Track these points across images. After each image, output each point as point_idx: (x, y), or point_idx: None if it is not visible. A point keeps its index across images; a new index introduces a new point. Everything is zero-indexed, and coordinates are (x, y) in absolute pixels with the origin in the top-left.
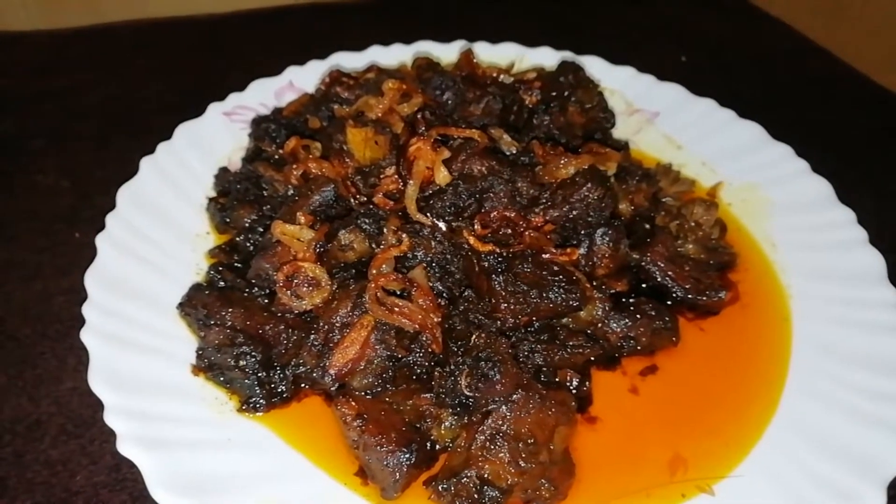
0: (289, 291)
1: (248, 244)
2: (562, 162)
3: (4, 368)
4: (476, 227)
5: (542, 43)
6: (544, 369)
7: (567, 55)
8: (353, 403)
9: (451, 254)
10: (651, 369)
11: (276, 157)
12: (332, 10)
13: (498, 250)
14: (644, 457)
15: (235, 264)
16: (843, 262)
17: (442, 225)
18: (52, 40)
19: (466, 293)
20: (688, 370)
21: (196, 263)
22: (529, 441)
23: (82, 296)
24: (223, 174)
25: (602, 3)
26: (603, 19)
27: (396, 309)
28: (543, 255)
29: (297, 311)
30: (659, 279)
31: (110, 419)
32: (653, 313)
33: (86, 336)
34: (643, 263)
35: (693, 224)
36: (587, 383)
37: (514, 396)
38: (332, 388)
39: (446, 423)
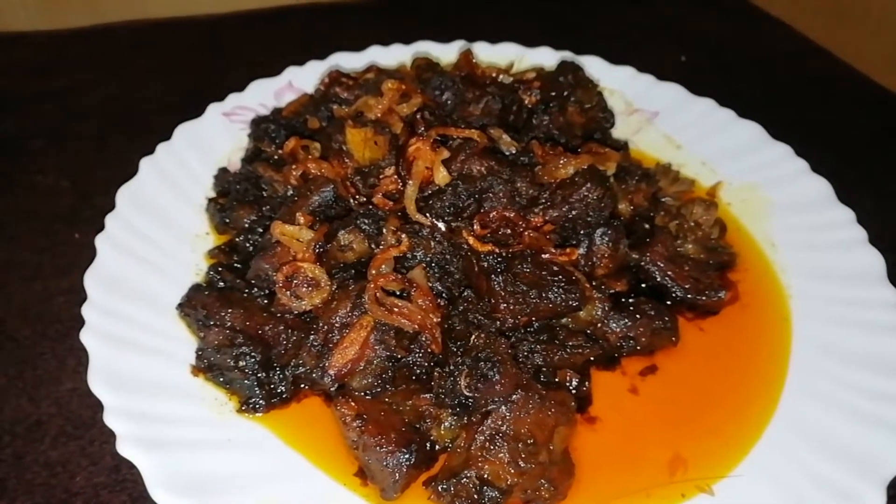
0: (288, 292)
1: (248, 245)
2: (561, 162)
3: (4, 369)
4: (475, 227)
5: (542, 43)
6: (544, 369)
7: (566, 55)
8: (353, 404)
9: (451, 254)
10: (651, 369)
11: (276, 157)
12: (331, 10)
13: (497, 250)
14: (644, 457)
15: (235, 265)
16: (843, 261)
17: (441, 225)
18: (51, 41)
19: (466, 293)
20: (687, 370)
21: (195, 264)
22: (529, 441)
23: (82, 296)
24: (223, 175)
25: (602, 3)
26: (603, 19)
27: (396, 309)
28: (543, 256)
29: (296, 312)
30: (658, 279)
31: (110, 420)
32: (652, 313)
33: (85, 337)
34: (643, 263)
35: (693, 224)
36: (587, 383)
37: (514, 397)
38: (332, 389)
39: (446, 424)
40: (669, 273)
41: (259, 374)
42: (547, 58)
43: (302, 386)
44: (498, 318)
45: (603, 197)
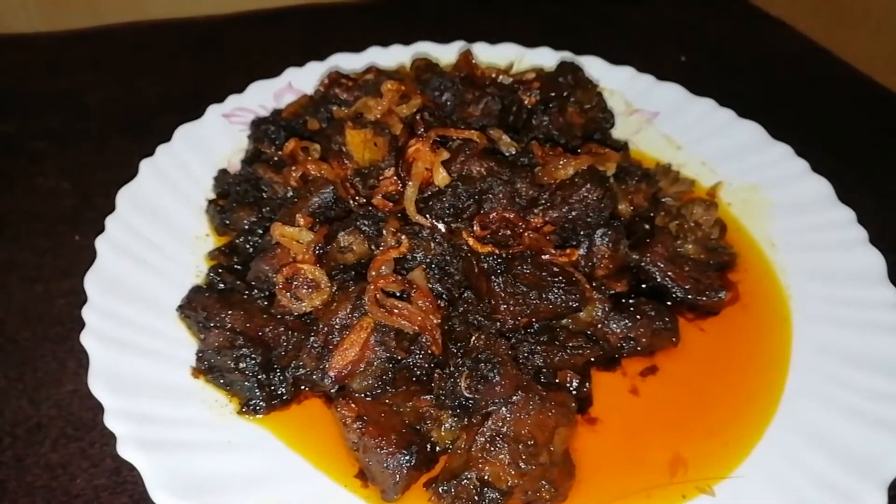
0: (288, 293)
1: (248, 246)
2: (561, 162)
3: (4, 371)
4: (475, 228)
5: (542, 43)
6: (544, 370)
7: (566, 55)
8: (353, 405)
9: (451, 255)
10: (651, 370)
11: (276, 158)
12: (330, 11)
13: (497, 251)
14: (644, 458)
15: (235, 266)
16: (843, 262)
17: (441, 226)
18: (52, 42)
19: (466, 294)
20: (688, 371)
21: (196, 265)
22: (529, 442)
23: (83, 298)
24: (222, 176)
25: (602, 3)
26: (603, 19)
27: (396, 311)
28: (543, 256)
29: (296, 313)
30: (659, 279)
31: (110, 422)
32: (653, 314)
33: (85, 339)
34: (643, 264)
35: (693, 224)
36: (587, 384)
37: (514, 398)
38: (332, 390)
39: (446, 425)
40: (670, 273)
41: (259, 376)
42: (547, 58)
43: (302, 387)
44: (498, 319)
45: (603, 197)
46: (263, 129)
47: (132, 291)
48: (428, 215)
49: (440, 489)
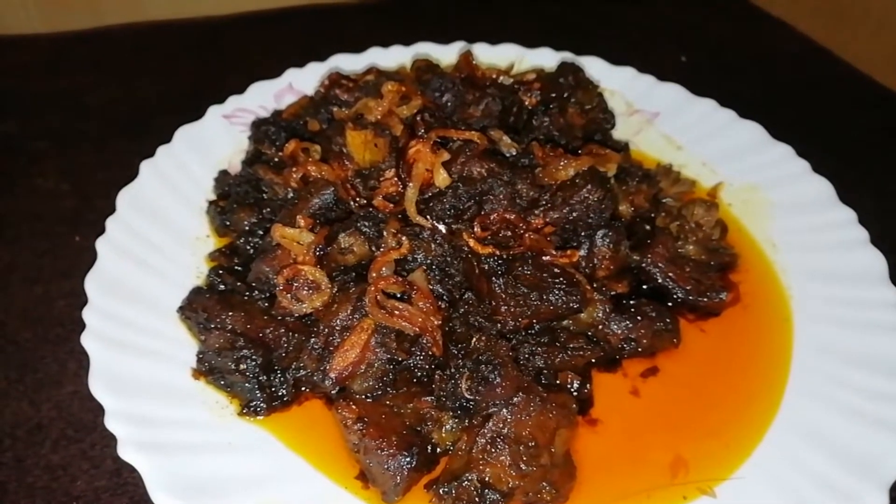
0: (289, 295)
1: (248, 247)
2: (562, 163)
3: (5, 372)
4: (476, 229)
5: (541, 43)
6: (545, 372)
7: (567, 56)
8: (354, 407)
9: (451, 256)
10: (652, 371)
11: (276, 159)
12: (331, 11)
13: (498, 252)
14: (645, 459)
15: (235, 267)
16: (844, 262)
17: (442, 227)
18: (52, 43)
19: (466, 296)
20: (689, 372)
21: (196, 267)
22: (530, 444)
23: (83, 299)
24: (223, 177)
25: (602, 3)
26: (603, 19)
27: (396, 312)
28: (544, 258)
29: (297, 315)
30: (660, 280)
31: (111, 423)
32: (653, 315)
33: (86, 340)
34: (644, 265)
35: (693, 225)
36: (588, 385)
37: (515, 399)
38: (333, 392)
39: (447, 427)
40: (670, 274)
41: (260, 377)
42: (547, 59)
43: (303, 389)
44: (499, 320)
45: (604, 198)
46: (264, 130)
47: (133, 293)
48: (428, 216)
49: (441, 490)
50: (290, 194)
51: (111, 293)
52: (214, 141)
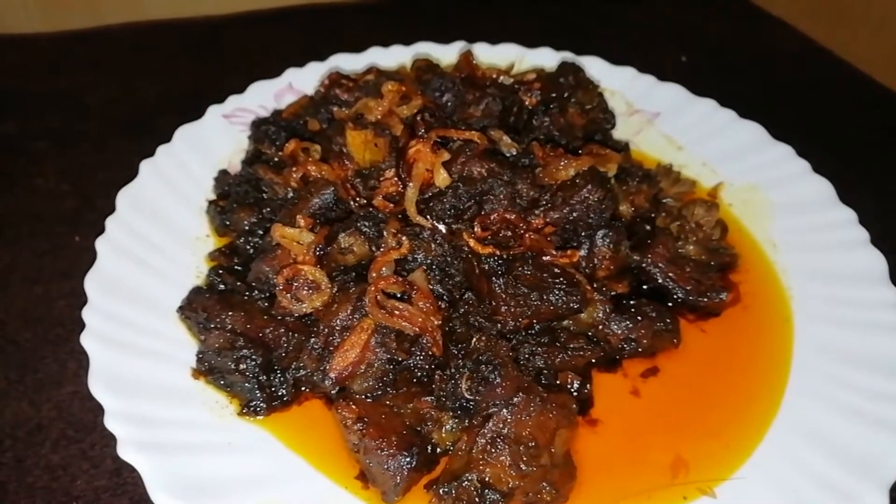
0: (289, 294)
1: (248, 247)
2: (562, 163)
3: (5, 373)
4: (476, 229)
5: (541, 43)
6: (545, 372)
7: (567, 56)
8: (354, 407)
9: (452, 256)
10: (652, 371)
11: (276, 159)
12: (331, 11)
13: (498, 252)
14: (645, 459)
15: (235, 267)
16: (844, 262)
17: (442, 227)
18: (52, 43)
19: (467, 296)
20: (689, 372)
21: (196, 266)
22: (530, 444)
23: (83, 299)
24: (223, 177)
25: (602, 3)
26: (603, 19)
27: (397, 312)
28: (544, 258)
29: (297, 315)
30: (660, 281)
31: (111, 423)
32: (654, 315)
33: (86, 340)
34: (644, 265)
35: (694, 225)
36: (588, 386)
37: (515, 399)
38: (333, 392)
39: (447, 427)
40: (671, 274)
41: (260, 377)
42: (547, 59)
43: (303, 389)
44: (499, 320)
45: (604, 198)
46: (264, 130)
47: (132, 293)
48: (429, 216)
49: (441, 491)
50: (290, 194)
51: (111, 293)
52: (214, 141)
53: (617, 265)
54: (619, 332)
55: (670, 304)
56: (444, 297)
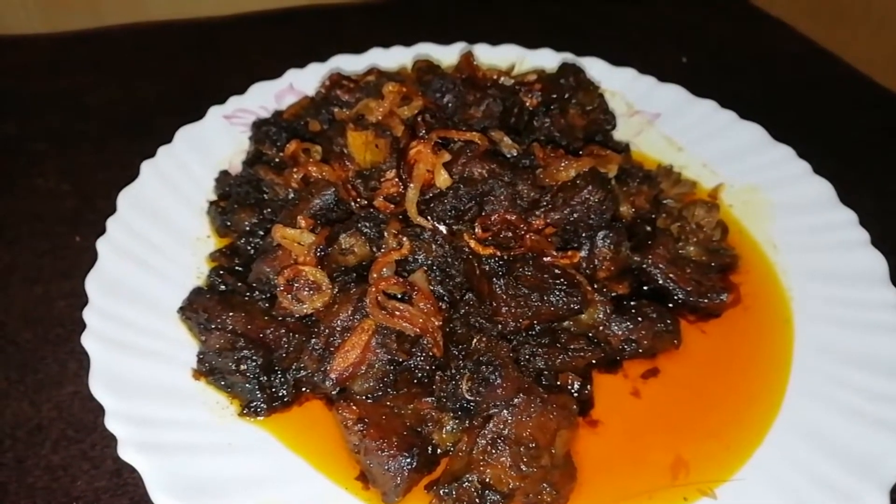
0: (290, 295)
1: (249, 248)
2: (562, 164)
3: (5, 373)
4: (477, 230)
5: (542, 44)
6: (545, 373)
7: (567, 57)
8: (354, 408)
9: (452, 257)
10: (652, 372)
11: (277, 160)
12: (331, 12)
13: (499, 253)
14: (646, 460)
15: (236, 268)
16: (844, 263)
17: (442, 228)
18: (52, 43)
19: (467, 297)
20: (689, 373)
21: (197, 267)
22: (531, 445)
23: (83, 300)
24: (224, 177)
25: (602, 3)
26: (603, 20)
27: (397, 313)
28: (544, 258)
29: (297, 315)
30: (660, 281)
31: (111, 424)
32: (654, 316)
33: (86, 340)
34: (644, 266)
35: (694, 226)
36: (588, 386)
37: (516, 400)
38: (333, 393)
39: (447, 428)
40: (671, 275)
41: (260, 378)
42: (548, 59)
43: (303, 389)
44: (499, 321)
45: (604, 199)
46: (265, 131)
47: (133, 293)
48: (429, 217)
49: (441, 491)
50: (291, 195)
51: (111, 293)
52: (215, 141)
53: (617, 266)
54: (620, 332)
55: (671, 305)
56: (445, 298)
